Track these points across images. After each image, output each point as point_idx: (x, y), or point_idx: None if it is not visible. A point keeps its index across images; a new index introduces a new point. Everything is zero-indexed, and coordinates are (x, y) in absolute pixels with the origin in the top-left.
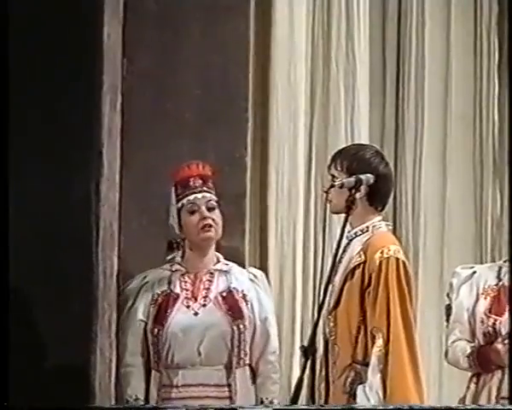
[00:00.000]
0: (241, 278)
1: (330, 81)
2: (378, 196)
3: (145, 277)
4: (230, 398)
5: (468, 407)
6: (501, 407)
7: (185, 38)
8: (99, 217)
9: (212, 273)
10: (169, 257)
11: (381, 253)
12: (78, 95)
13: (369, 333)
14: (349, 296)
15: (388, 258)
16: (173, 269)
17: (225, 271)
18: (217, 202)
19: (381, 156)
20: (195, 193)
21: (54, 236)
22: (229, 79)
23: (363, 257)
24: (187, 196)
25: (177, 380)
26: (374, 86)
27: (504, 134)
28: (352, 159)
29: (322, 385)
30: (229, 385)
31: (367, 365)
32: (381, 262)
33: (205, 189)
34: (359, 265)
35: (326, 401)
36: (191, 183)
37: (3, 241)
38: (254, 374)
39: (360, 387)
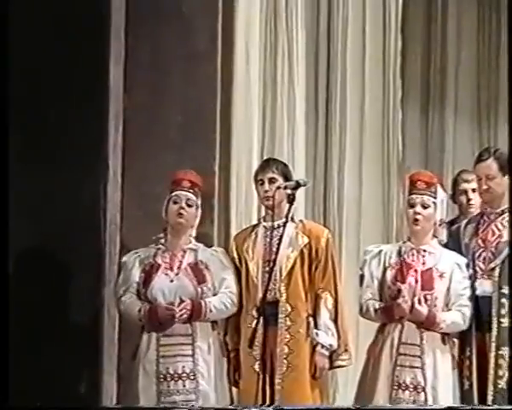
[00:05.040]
0: (205, 254)
1: (277, 112)
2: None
3: (137, 252)
4: (193, 344)
5: (468, 408)
6: (502, 408)
7: (169, 78)
8: (106, 211)
9: (184, 251)
10: (154, 238)
11: (325, 236)
12: (90, 120)
13: (313, 292)
14: (301, 268)
15: (331, 239)
16: (157, 247)
17: (194, 249)
18: (196, 203)
19: None
20: (181, 190)
21: (72, 226)
22: (202, 108)
23: (306, 239)
24: (176, 191)
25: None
26: (309, 115)
27: (406, 150)
28: (282, 165)
29: (279, 332)
30: (192, 335)
31: (315, 316)
32: (326, 242)
33: (189, 190)
34: (306, 245)
35: (264, 344)
36: (182, 183)
37: (33, 231)
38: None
39: (319, 332)
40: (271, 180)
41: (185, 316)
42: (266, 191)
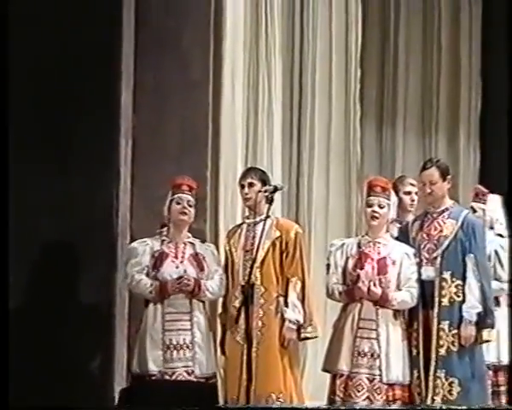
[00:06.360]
0: (202, 248)
1: (258, 129)
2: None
3: (145, 241)
4: (191, 320)
5: (468, 407)
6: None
7: (170, 102)
8: (118, 211)
9: (185, 243)
10: (158, 231)
11: (294, 230)
12: (105, 136)
13: (284, 277)
14: (273, 256)
15: (299, 233)
16: (162, 238)
17: (192, 243)
18: (193, 203)
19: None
20: (182, 193)
21: (90, 222)
22: (196, 127)
23: (278, 233)
24: (177, 193)
25: (168, 305)
26: (285, 132)
27: (364, 160)
28: (260, 172)
29: (255, 309)
30: (190, 312)
31: (284, 296)
32: (295, 236)
33: (188, 193)
34: (278, 237)
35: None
36: (182, 187)
37: (58, 227)
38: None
39: (287, 309)
40: (250, 184)
41: (189, 283)
42: (246, 194)
